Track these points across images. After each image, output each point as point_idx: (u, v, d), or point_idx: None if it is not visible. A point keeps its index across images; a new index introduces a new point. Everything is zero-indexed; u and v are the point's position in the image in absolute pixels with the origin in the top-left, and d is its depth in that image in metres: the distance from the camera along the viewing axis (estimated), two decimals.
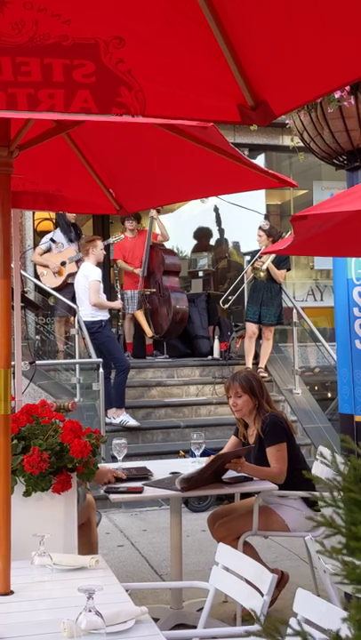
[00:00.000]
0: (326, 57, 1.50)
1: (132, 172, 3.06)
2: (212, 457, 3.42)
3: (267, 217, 8.77)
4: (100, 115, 1.74)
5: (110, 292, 7.58)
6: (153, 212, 7.96)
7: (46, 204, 3.35)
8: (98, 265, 6.73)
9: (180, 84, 1.73)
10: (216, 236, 9.91)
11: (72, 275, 7.25)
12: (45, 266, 7.46)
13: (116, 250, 7.86)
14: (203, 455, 3.89)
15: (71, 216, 7.51)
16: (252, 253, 7.82)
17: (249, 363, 7.41)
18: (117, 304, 7.25)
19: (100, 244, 6.72)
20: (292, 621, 1.90)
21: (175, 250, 10.33)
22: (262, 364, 7.40)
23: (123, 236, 7.71)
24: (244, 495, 3.81)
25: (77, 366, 6.74)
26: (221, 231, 9.85)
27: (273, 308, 7.29)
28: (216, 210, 9.44)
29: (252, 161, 2.84)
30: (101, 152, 2.94)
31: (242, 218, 9.01)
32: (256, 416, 3.62)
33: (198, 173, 2.89)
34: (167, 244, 9.69)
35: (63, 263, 7.41)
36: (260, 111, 1.69)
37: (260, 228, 7.40)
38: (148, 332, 8.02)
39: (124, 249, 7.86)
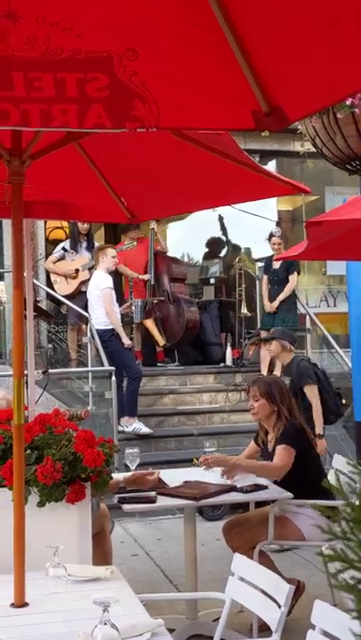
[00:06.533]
0: (343, 61, 1.48)
1: (144, 181, 3.05)
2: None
3: (278, 224, 8.75)
4: (114, 129, 1.73)
5: (122, 301, 7.58)
6: (153, 224, 7.97)
7: (58, 212, 3.36)
8: (109, 274, 6.74)
9: (194, 93, 1.71)
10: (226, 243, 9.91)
11: (85, 282, 7.26)
12: (58, 274, 7.49)
13: (119, 257, 7.86)
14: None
15: (83, 227, 7.52)
16: (265, 260, 7.81)
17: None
18: (124, 307, 7.24)
19: (110, 251, 6.72)
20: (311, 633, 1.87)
21: (186, 257, 10.32)
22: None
23: (135, 243, 7.70)
24: (259, 503, 3.78)
25: (90, 374, 6.74)
26: (229, 239, 9.84)
27: (289, 315, 7.27)
28: (221, 219, 9.45)
29: (264, 167, 2.84)
30: (113, 160, 2.94)
31: (253, 224, 8.99)
32: (276, 423, 3.59)
33: (211, 182, 2.88)
34: (178, 251, 9.63)
35: (77, 270, 7.44)
36: (275, 117, 1.68)
37: (273, 234, 7.41)
38: (160, 340, 8.01)
39: (126, 257, 7.86)
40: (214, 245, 9.70)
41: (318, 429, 4.99)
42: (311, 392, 5.00)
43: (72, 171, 2.95)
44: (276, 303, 7.21)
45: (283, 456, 3.45)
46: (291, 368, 5.22)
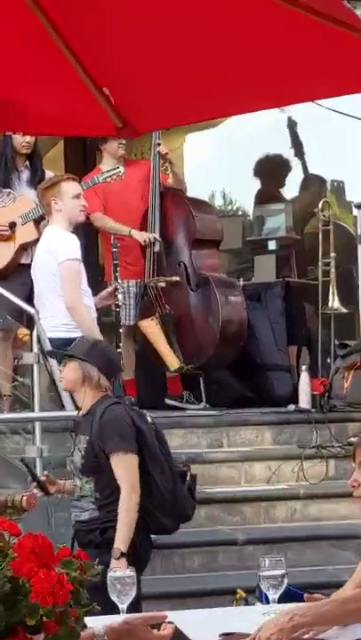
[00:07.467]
0: None
1: (145, 57, 3.10)
2: None
3: None
4: None
5: (99, 285, 7.61)
6: (158, 139, 8.05)
7: None
8: (74, 230, 6.78)
9: None
10: (298, 172, 9.96)
11: (28, 247, 7.32)
12: None
13: (89, 196, 7.73)
14: (283, 599, 3.88)
15: (24, 142, 7.54)
16: None
17: None
18: (105, 296, 7.32)
19: (70, 187, 6.75)
20: None
21: (221, 199, 10.40)
22: None
23: (122, 169, 7.72)
24: None
25: (37, 425, 6.80)
26: (306, 164, 9.89)
27: None
28: (291, 126, 9.49)
29: None
30: (90, 20, 2.99)
31: (347, 138, 9.03)
32: None
33: (271, 57, 2.92)
34: (205, 188, 9.66)
35: (13, 225, 7.47)
36: None
37: None
38: (173, 360, 8.05)
39: (106, 197, 7.87)
40: (275, 176, 9.75)
41: (118, 543, 4.81)
42: (122, 466, 4.92)
43: (15, 42, 2.99)
44: None
45: None
46: (91, 418, 5.10)
